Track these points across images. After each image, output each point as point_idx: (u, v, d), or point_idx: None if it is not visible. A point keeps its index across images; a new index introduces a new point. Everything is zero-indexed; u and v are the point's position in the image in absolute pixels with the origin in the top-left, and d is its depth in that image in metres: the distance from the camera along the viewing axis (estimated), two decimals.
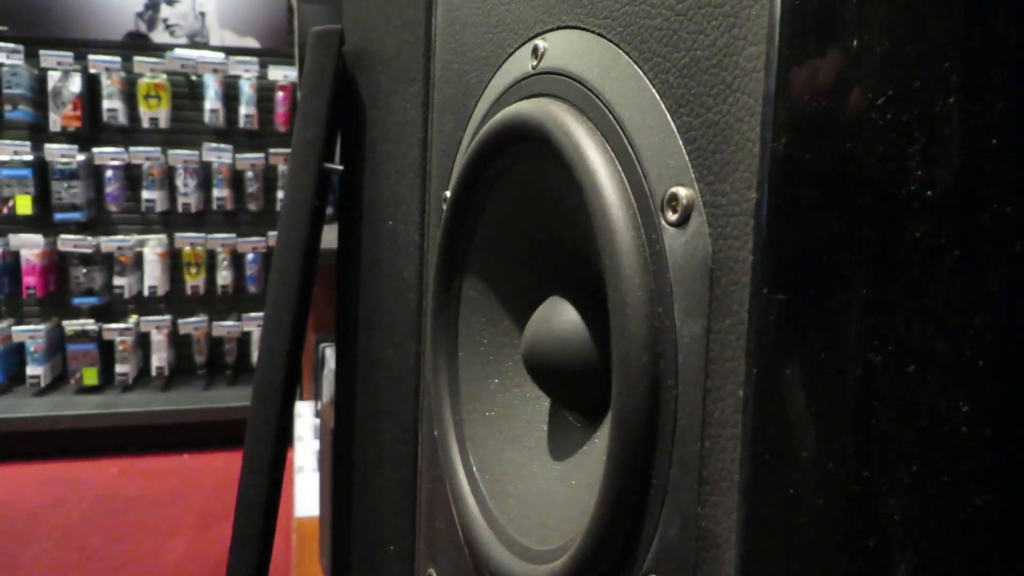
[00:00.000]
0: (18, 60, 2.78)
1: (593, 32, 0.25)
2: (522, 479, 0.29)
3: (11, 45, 2.79)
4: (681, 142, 0.21)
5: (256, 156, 2.97)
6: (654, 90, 0.22)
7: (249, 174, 2.98)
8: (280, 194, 3.01)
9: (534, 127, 0.27)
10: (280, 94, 3.01)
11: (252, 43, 3.14)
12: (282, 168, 3.01)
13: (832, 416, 0.18)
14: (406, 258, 0.52)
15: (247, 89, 2.96)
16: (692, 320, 0.20)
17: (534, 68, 0.29)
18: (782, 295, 0.18)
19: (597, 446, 0.27)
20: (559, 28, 0.28)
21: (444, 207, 0.37)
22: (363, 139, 0.60)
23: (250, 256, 2.99)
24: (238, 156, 2.95)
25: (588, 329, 0.27)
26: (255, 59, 2.99)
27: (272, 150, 2.99)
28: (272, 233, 3.00)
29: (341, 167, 0.62)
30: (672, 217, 0.21)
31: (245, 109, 2.96)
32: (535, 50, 0.29)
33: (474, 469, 0.31)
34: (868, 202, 0.17)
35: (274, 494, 0.67)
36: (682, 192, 0.21)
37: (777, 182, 0.18)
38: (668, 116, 0.22)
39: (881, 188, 0.17)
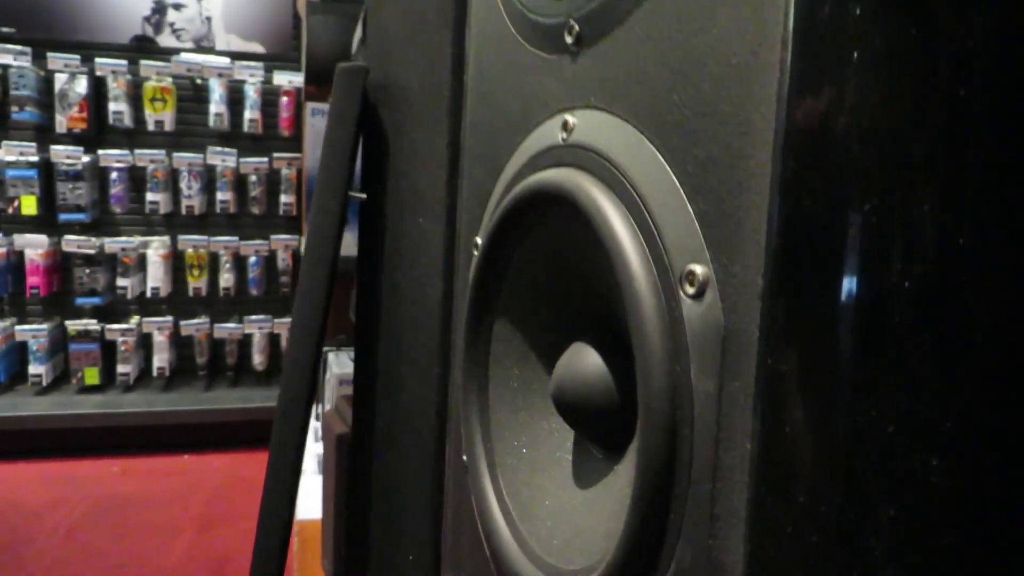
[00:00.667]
0: (25, 62, 2.81)
1: (620, 117, 0.29)
2: (549, 503, 0.33)
3: (19, 47, 2.81)
4: (698, 225, 0.25)
5: (260, 160, 3.00)
6: (674, 177, 0.26)
7: (252, 178, 3.01)
8: (283, 198, 3.04)
9: (566, 194, 0.30)
10: (284, 99, 3.04)
11: (257, 48, 3.17)
12: (285, 172, 3.04)
13: (824, 467, 0.21)
14: (429, 286, 0.55)
15: (252, 93, 3.00)
16: (706, 379, 0.24)
17: (564, 140, 0.32)
18: (784, 366, 0.22)
19: (619, 476, 0.31)
20: (587, 108, 0.31)
21: (475, 251, 0.40)
22: (386, 169, 0.63)
23: (252, 259, 3.02)
24: (242, 160, 2.98)
25: (610, 373, 0.31)
26: (260, 64, 3.02)
27: (276, 154, 3.02)
28: (274, 237, 3.04)
29: (364, 195, 0.65)
30: (690, 290, 0.25)
31: (249, 113, 2.99)
32: (564, 124, 0.32)
33: (504, 493, 0.35)
34: (855, 291, 0.21)
35: (295, 494, 0.71)
36: (699, 269, 0.24)
37: (781, 270, 0.22)
38: (687, 201, 0.25)
39: (866, 279, 0.21)
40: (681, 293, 0.25)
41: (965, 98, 0.20)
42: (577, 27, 0.32)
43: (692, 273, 0.25)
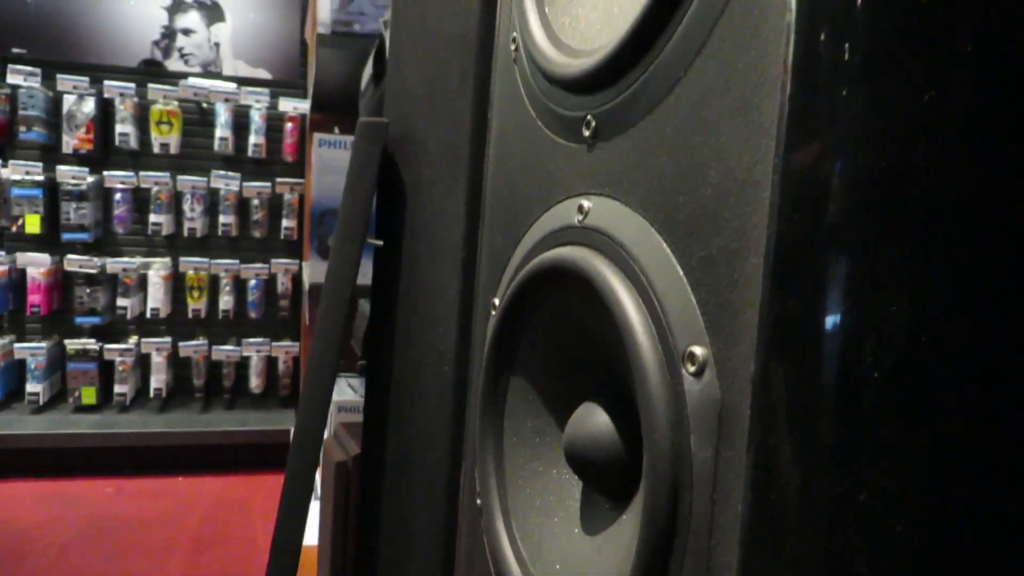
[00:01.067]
0: (35, 83, 2.86)
1: (631, 208, 0.33)
2: (559, 547, 0.37)
3: (29, 68, 2.86)
4: (699, 311, 0.29)
5: (263, 184, 3.05)
6: (679, 267, 0.30)
7: (255, 202, 3.05)
8: (284, 222, 3.08)
9: (582, 273, 0.34)
10: (289, 125, 3.09)
11: (264, 74, 3.23)
12: (288, 197, 3.08)
13: (806, 530, 0.25)
14: (443, 332, 0.59)
15: (257, 119, 3.05)
16: (704, 447, 0.28)
17: (579, 222, 0.36)
18: (771, 440, 0.25)
19: (624, 526, 0.34)
20: (602, 195, 0.35)
21: (492, 311, 0.44)
22: (403, 219, 0.67)
23: (252, 282, 3.05)
24: (245, 183, 3.03)
25: (617, 432, 0.34)
26: (266, 90, 3.08)
27: (279, 179, 3.07)
28: (275, 260, 3.07)
29: (381, 242, 0.69)
30: (691, 368, 0.28)
31: (254, 138, 3.05)
32: (580, 207, 0.36)
33: (516, 536, 0.38)
34: (832, 379, 0.25)
35: (305, 520, 0.74)
36: (699, 351, 0.28)
37: (769, 358, 0.25)
38: (689, 290, 0.29)
39: (842, 369, 0.25)
40: (683, 370, 0.29)
41: (925, 231, 0.24)
42: (594, 122, 0.36)
43: (693, 354, 0.28)
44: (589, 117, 0.36)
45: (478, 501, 0.42)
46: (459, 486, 0.54)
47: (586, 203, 0.36)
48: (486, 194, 0.48)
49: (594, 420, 0.35)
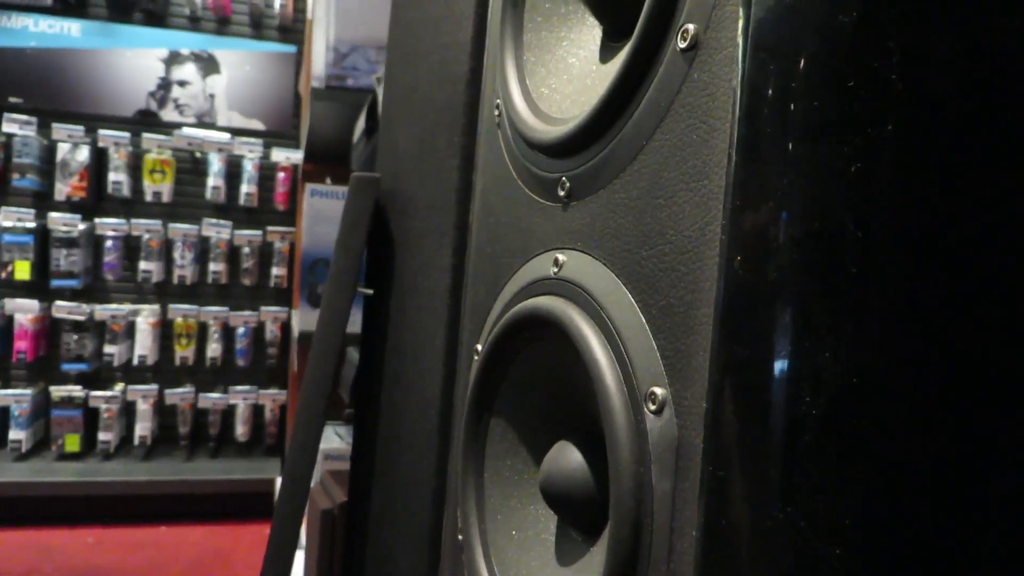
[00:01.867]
0: (30, 131, 2.91)
1: (600, 261, 0.36)
2: None
3: (25, 117, 2.92)
4: (659, 356, 0.32)
5: (254, 233, 3.08)
6: (642, 315, 0.33)
7: (246, 250, 3.08)
8: (274, 270, 3.11)
9: (556, 320, 0.37)
10: (281, 174, 3.15)
11: (258, 125, 3.29)
12: (278, 245, 3.12)
13: (753, 553, 0.28)
14: (430, 378, 0.62)
15: (250, 168, 3.10)
16: (664, 480, 0.30)
17: (554, 274, 0.40)
18: (721, 472, 0.28)
19: (594, 556, 0.37)
20: (575, 249, 0.39)
21: (475, 356, 0.47)
22: (393, 269, 0.70)
23: (240, 330, 3.06)
24: (237, 232, 3.06)
25: (589, 469, 0.37)
26: (259, 140, 3.14)
27: (270, 227, 3.11)
28: (264, 308, 3.09)
29: (371, 291, 0.72)
30: (652, 407, 0.31)
31: (246, 187, 3.09)
32: (556, 260, 0.40)
33: (495, 569, 0.40)
34: (773, 418, 0.28)
35: (292, 561, 0.75)
36: (659, 392, 0.31)
37: (718, 400, 0.29)
38: (651, 337, 0.32)
39: (782, 409, 0.28)
40: (646, 410, 0.32)
41: (855, 286, 0.28)
42: (569, 184, 0.40)
43: (654, 394, 0.31)
44: (564, 179, 0.40)
45: (459, 537, 0.45)
46: (442, 526, 0.56)
47: (561, 256, 0.40)
48: (470, 247, 0.51)
49: (567, 458, 0.38)
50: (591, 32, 0.43)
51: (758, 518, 0.28)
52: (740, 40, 0.30)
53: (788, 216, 0.29)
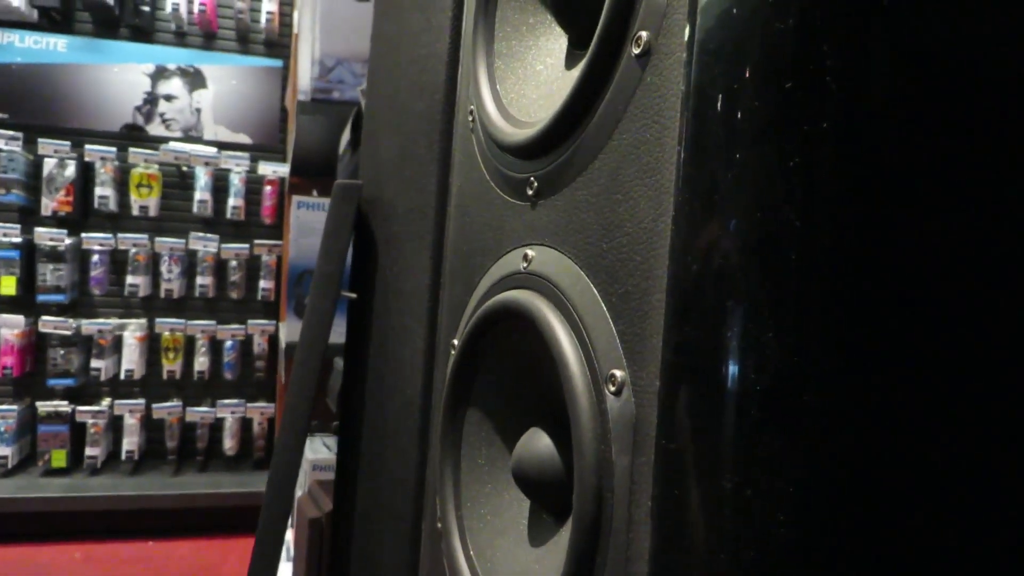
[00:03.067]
0: (16, 147, 2.91)
1: (566, 255, 0.39)
2: (509, 561, 0.41)
3: (11, 132, 2.92)
4: (618, 340, 0.34)
5: (241, 246, 3.09)
6: (603, 303, 0.35)
7: (233, 263, 3.09)
8: (262, 283, 3.12)
9: (525, 312, 0.39)
10: (268, 188, 3.16)
11: (244, 139, 3.31)
12: (265, 258, 3.13)
13: (703, 521, 0.30)
14: (412, 377, 0.63)
15: (236, 182, 3.11)
16: (623, 456, 0.33)
17: (524, 268, 0.42)
18: (673, 446, 0.30)
19: (563, 536, 0.39)
20: (543, 245, 0.41)
21: (452, 351, 0.49)
22: (375, 273, 0.72)
23: (228, 343, 3.06)
24: (223, 245, 3.07)
25: (559, 454, 0.39)
26: (246, 154, 3.15)
27: (257, 240, 3.12)
28: (251, 321, 3.10)
29: (355, 295, 0.74)
30: (612, 388, 0.34)
31: (233, 201, 3.10)
32: (525, 256, 0.42)
33: (471, 552, 0.42)
34: (720, 393, 0.30)
35: (277, 565, 0.76)
36: (618, 373, 0.33)
37: (669, 379, 0.31)
38: (611, 322, 0.35)
39: (729, 385, 0.30)
40: (606, 391, 0.34)
41: (792, 272, 0.30)
42: (537, 183, 0.42)
43: (614, 376, 0.34)
44: (532, 179, 0.42)
45: (438, 525, 0.47)
46: (422, 519, 0.58)
47: (530, 252, 0.42)
48: (447, 247, 0.53)
49: (537, 443, 0.40)
50: (557, 40, 0.46)
51: (707, 487, 0.30)
52: (687, 46, 0.33)
53: (732, 208, 0.31)
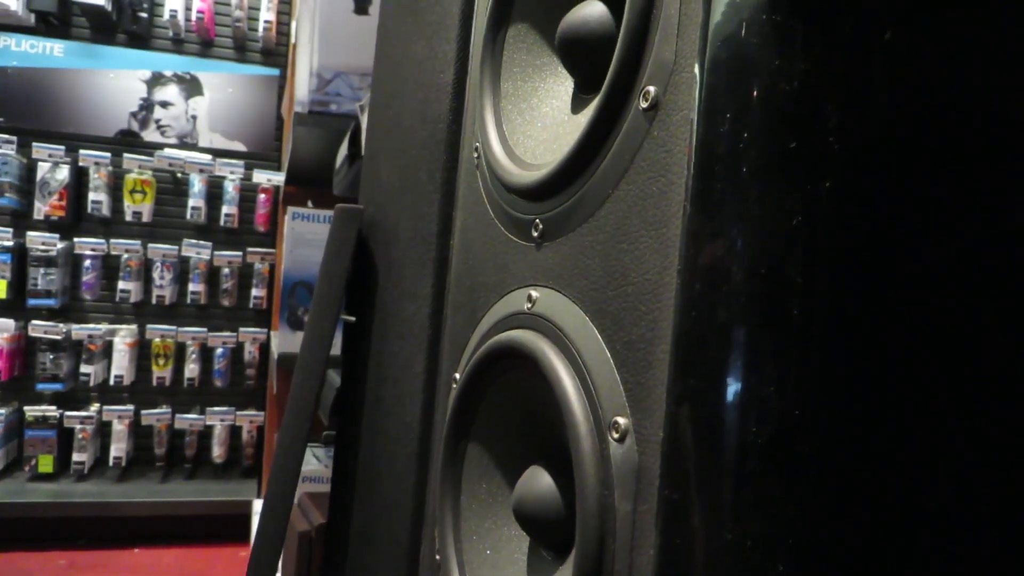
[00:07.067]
0: (10, 150, 2.90)
1: (571, 299, 0.39)
2: None
3: (5, 136, 2.91)
4: (622, 388, 0.35)
5: (234, 254, 3.09)
6: (607, 350, 0.36)
7: (225, 270, 3.08)
8: (254, 291, 3.12)
9: (529, 352, 0.40)
10: (262, 196, 3.16)
11: (239, 147, 3.31)
12: (258, 266, 3.12)
13: (703, 569, 0.31)
14: (410, 402, 0.64)
15: (231, 190, 3.11)
16: (625, 502, 0.33)
17: (528, 309, 0.43)
18: (675, 496, 0.31)
19: (563, 574, 0.39)
20: (547, 287, 0.42)
21: (454, 384, 0.50)
22: (375, 297, 0.73)
23: (219, 351, 3.05)
24: (216, 253, 3.07)
25: (559, 492, 0.40)
26: (241, 162, 3.15)
27: (250, 248, 3.12)
28: (243, 329, 3.09)
29: (353, 318, 0.75)
30: (615, 435, 0.34)
31: (227, 208, 3.10)
32: (529, 296, 0.43)
33: None
34: (722, 446, 0.31)
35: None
36: (622, 421, 0.34)
37: (673, 431, 0.31)
38: (615, 370, 0.35)
39: (730, 438, 0.31)
40: (609, 437, 0.35)
41: (794, 328, 0.31)
42: (542, 225, 0.43)
43: (617, 423, 0.34)
44: (537, 220, 0.43)
45: (437, 557, 0.47)
46: (420, 546, 0.58)
47: (535, 293, 0.43)
48: (450, 279, 0.54)
49: (539, 482, 0.41)
50: (564, 84, 0.47)
51: (708, 537, 0.31)
52: (696, 104, 0.33)
53: (736, 263, 0.32)
